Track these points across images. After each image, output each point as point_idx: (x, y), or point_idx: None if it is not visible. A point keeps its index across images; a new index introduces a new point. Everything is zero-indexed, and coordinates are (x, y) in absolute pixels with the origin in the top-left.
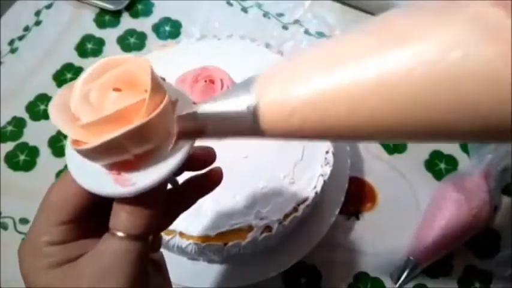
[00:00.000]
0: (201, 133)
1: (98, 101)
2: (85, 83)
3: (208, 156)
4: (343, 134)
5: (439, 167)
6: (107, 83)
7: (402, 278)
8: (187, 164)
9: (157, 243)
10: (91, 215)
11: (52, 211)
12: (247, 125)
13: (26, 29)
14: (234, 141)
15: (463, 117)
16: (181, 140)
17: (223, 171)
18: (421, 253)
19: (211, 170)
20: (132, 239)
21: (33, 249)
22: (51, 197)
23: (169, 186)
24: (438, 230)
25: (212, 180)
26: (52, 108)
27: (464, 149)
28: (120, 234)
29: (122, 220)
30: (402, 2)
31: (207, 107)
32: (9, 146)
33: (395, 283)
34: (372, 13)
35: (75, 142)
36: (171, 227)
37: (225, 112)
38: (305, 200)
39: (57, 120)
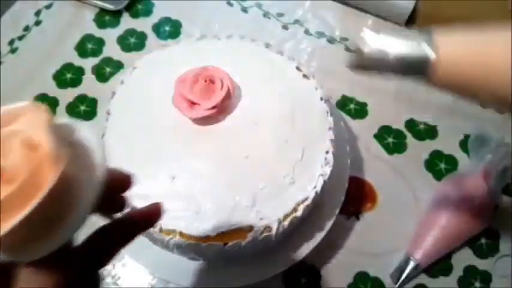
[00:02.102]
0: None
1: None
2: None
3: (126, 178)
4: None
5: (439, 167)
6: None
7: (402, 278)
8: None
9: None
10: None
11: None
12: (421, 69)
13: (26, 28)
14: (234, 141)
15: None
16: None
17: (224, 171)
18: (421, 253)
19: (152, 204)
20: None
21: None
22: None
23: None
24: (438, 230)
25: (152, 216)
26: None
27: (464, 149)
28: None
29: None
30: (403, 2)
31: (389, 44)
32: None
33: (395, 283)
34: (372, 13)
35: None
36: (171, 227)
37: (406, 54)
38: (305, 200)
39: None
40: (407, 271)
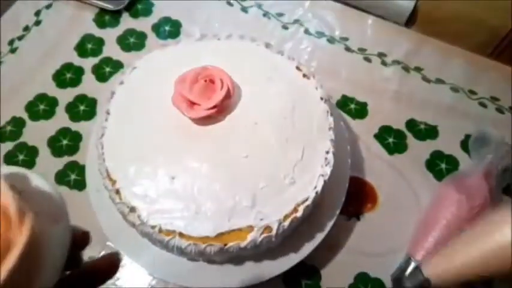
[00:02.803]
0: None
1: None
2: None
3: (84, 235)
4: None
5: (439, 167)
6: None
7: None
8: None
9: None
10: None
11: None
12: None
13: (26, 28)
14: (234, 141)
15: None
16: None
17: (224, 171)
18: (422, 253)
19: (109, 255)
20: None
21: None
22: None
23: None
24: (439, 230)
25: (110, 268)
26: None
27: (465, 149)
28: None
29: None
30: (403, 2)
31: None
32: (8, 145)
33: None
34: (371, 13)
35: None
36: (171, 227)
37: None
38: (305, 200)
39: None
40: (408, 272)
